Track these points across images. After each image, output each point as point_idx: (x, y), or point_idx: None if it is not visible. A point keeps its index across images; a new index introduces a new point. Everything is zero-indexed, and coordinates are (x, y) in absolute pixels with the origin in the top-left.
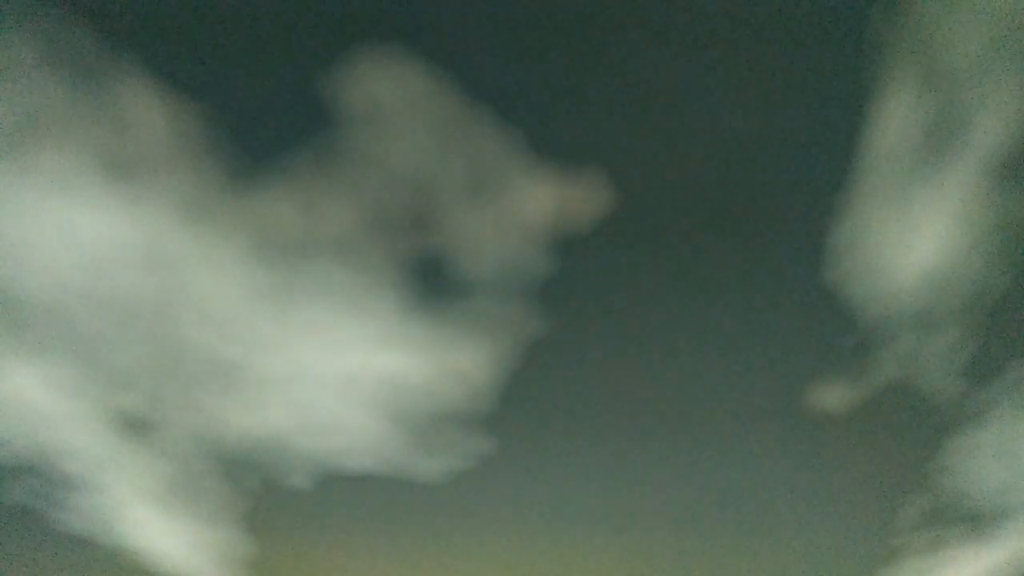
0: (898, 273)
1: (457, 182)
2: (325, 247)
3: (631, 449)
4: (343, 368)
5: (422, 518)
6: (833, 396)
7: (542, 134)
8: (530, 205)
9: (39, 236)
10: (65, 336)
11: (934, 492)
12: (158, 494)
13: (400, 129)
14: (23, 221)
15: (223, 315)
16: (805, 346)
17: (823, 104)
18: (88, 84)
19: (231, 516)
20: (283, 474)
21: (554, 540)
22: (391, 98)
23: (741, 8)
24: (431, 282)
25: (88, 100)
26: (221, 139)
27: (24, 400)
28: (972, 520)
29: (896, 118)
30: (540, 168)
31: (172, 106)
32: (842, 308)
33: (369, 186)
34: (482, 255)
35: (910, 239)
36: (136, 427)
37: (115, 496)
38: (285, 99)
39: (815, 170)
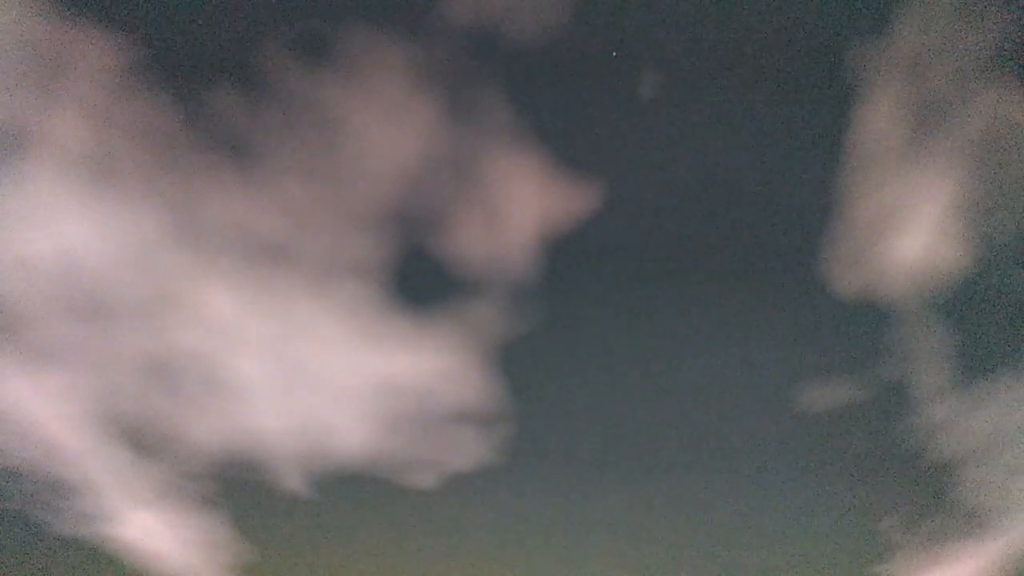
0: (891, 267)
1: (446, 182)
2: (313, 249)
3: (625, 448)
4: (334, 370)
5: (415, 521)
6: (828, 392)
7: (535, 132)
8: (523, 204)
9: (29, 244)
10: (57, 343)
11: (930, 488)
12: (152, 498)
13: (389, 128)
14: (12, 228)
15: (214, 319)
16: (799, 343)
17: (812, 100)
18: (75, 88)
19: (225, 519)
20: (276, 476)
21: (549, 542)
22: (379, 94)
23: (731, 5)
24: (422, 283)
25: (76, 104)
26: (205, 140)
27: (18, 406)
28: (968, 515)
29: (885, 112)
30: (533, 166)
31: (156, 108)
32: (836, 304)
33: (358, 186)
34: (473, 255)
35: (901, 232)
36: (129, 432)
37: (110, 500)
38: (268, 97)
39: (806, 165)
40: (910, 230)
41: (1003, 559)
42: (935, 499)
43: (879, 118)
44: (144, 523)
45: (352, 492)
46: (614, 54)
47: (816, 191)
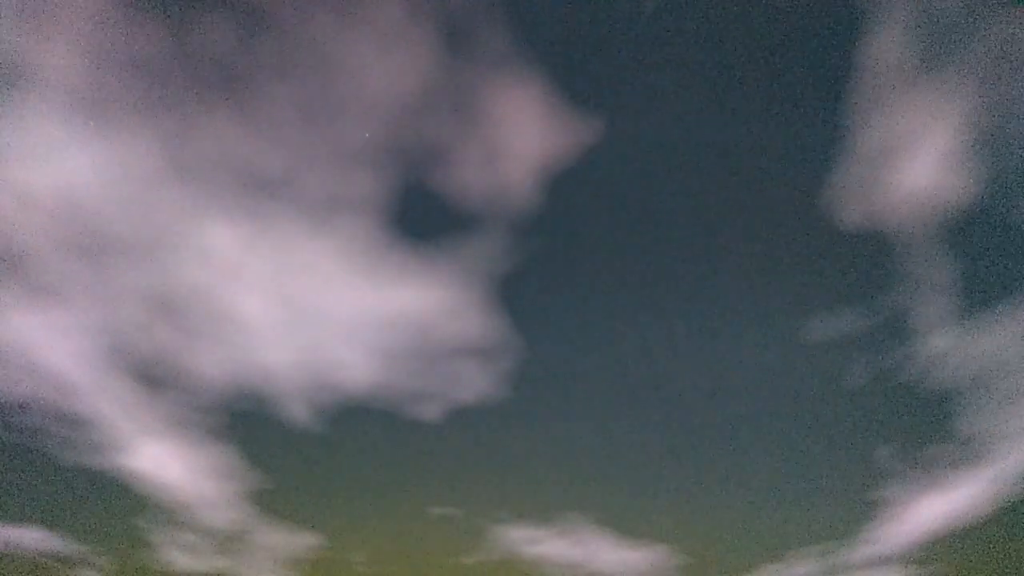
0: (896, 197)
1: (446, 115)
2: (313, 184)
3: (626, 377)
4: (337, 304)
5: (420, 451)
6: (830, 321)
7: (535, 62)
8: (523, 137)
9: (31, 180)
10: (63, 279)
11: (929, 415)
12: (162, 429)
13: (386, 60)
14: (12, 166)
15: (216, 255)
16: (803, 273)
17: (818, 25)
18: (70, 22)
19: (234, 449)
20: (283, 408)
21: (552, 471)
22: (375, 25)
23: None
24: (423, 218)
25: (71, 39)
26: (201, 74)
27: (27, 342)
28: (966, 442)
29: (892, 38)
30: (533, 98)
31: (152, 42)
32: (840, 234)
33: (356, 120)
34: (474, 189)
35: (907, 162)
36: (137, 365)
37: (120, 431)
38: (263, 30)
39: (811, 93)
40: (915, 160)
41: (998, 485)
42: (934, 426)
43: (887, 44)
44: (154, 454)
45: (358, 424)
46: None
47: (822, 120)
